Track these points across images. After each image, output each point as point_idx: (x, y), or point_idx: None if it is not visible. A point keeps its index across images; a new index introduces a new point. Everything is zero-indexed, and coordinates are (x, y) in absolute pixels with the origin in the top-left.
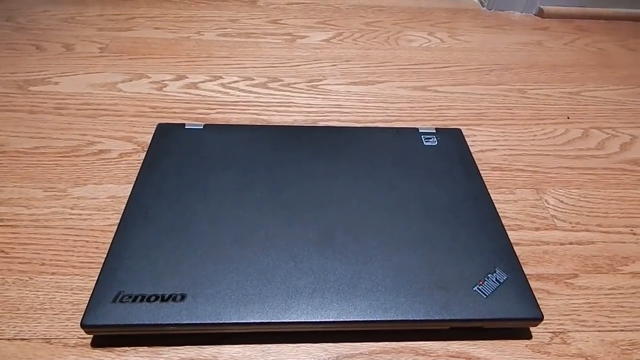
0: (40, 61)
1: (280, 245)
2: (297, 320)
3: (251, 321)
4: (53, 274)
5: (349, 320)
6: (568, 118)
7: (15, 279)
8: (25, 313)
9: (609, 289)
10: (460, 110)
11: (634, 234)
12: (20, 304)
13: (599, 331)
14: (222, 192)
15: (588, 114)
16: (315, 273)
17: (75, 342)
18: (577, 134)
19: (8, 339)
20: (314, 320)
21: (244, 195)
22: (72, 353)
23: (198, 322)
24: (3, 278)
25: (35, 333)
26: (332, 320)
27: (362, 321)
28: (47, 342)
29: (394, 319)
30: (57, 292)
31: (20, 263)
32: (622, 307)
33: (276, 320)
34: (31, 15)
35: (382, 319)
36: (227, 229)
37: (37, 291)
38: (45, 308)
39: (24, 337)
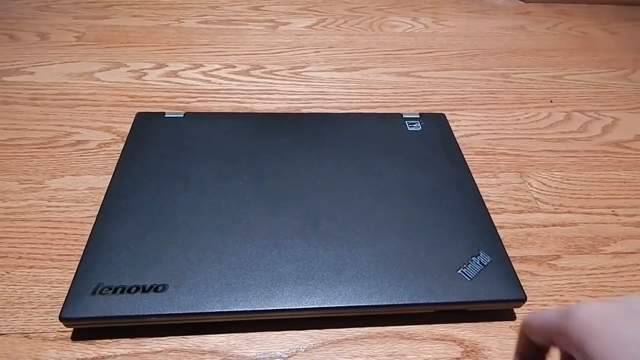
0: (14, 51)
1: (264, 233)
2: (282, 308)
3: (235, 310)
4: (31, 267)
5: (333, 306)
6: (551, 101)
7: None
8: (3, 308)
9: (591, 269)
10: (444, 95)
11: (615, 214)
12: None
13: None
14: (204, 181)
15: (570, 97)
16: (299, 260)
17: (55, 335)
18: (559, 117)
19: None
20: (298, 307)
21: (226, 184)
22: (52, 347)
23: (180, 312)
24: None
25: (13, 328)
26: (316, 306)
27: (347, 307)
28: (25, 336)
29: (379, 303)
30: (35, 285)
31: None
32: (603, 286)
33: (260, 308)
34: (4, 4)
35: (367, 304)
36: (209, 219)
37: (15, 285)
38: (23, 302)
39: (2, 332)
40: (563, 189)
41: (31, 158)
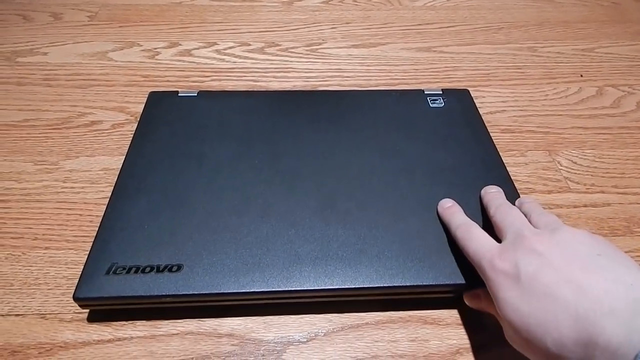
0: (27, 31)
1: (280, 212)
2: (300, 289)
3: (251, 290)
4: (46, 248)
5: (354, 287)
6: (581, 76)
7: (8, 254)
8: (19, 289)
9: (625, 252)
10: (468, 71)
11: None
12: (13, 280)
13: None
14: (218, 160)
15: (602, 71)
16: (317, 240)
17: (71, 317)
18: (591, 93)
19: (2, 315)
20: (317, 288)
21: (241, 163)
22: (68, 328)
23: (196, 292)
24: None
25: (29, 308)
26: (336, 287)
27: (368, 288)
28: (42, 317)
29: (402, 284)
30: (51, 266)
31: (13, 238)
32: None
33: (278, 289)
34: None
35: (389, 285)
36: (224, 198)
37: (31, 266)
38: (40, 283)
39: (19, 313)
40: (595, 167)
41: (46, 139)
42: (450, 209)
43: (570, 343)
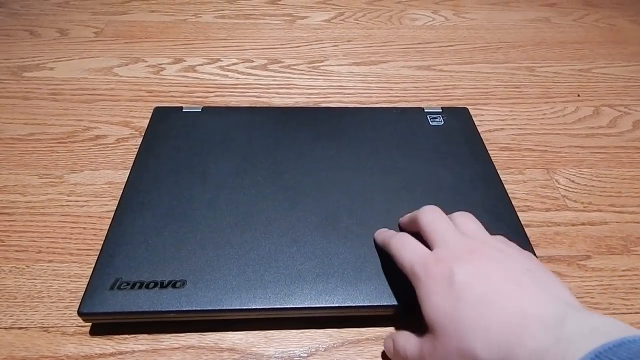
0: (34, 47)
1: (282, 229)
2: (301, 306)
3: (253, 307)
4: (50, 261)
5: (354, 305)
6: (578, 96)
7: (12, 267)
8: (23, 302)
9: (623, 271)
10: (467, 89)
11: None
12: (17, 293)
13: (613, 314)
14: (221, 176)
15: (599, 91)
16: (318, 257)
17: (73, 330)
18: (587, 112)
19: (5, 328)
20: (318, 306)
21: (244, 178)
22: (71, 341)
23: (199, 308)
24: None
25: (32, 322)
26: (336, 305)
27: (368, 306)
28: (45, 330)
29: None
30: (54, 280)
31: (17, 251)
32: (636, 288)
33: (279, 306)
34: (25, 1)
35: (389, 304)
36: (227, 214)
37: (34, 279)
38: (43, 296)
39: (22, 326)
40: (592, 186)
41: (51, 153)
42: (386, 232)
43: (496, 347)
